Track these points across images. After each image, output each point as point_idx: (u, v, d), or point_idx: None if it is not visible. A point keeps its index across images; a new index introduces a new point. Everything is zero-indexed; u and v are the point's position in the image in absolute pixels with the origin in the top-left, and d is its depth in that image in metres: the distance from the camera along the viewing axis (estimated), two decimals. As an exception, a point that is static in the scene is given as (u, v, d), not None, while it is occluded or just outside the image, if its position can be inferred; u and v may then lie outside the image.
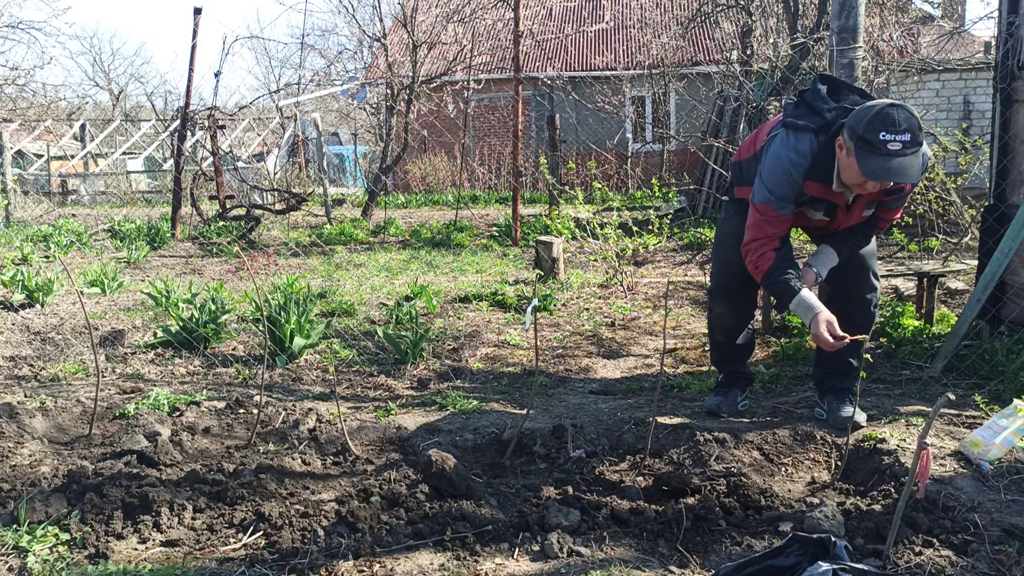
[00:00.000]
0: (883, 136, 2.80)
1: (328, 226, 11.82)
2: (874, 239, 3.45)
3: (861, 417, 3.31)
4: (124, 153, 23.67)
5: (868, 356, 3.54)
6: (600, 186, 7.71)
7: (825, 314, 3.01)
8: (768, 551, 2.03)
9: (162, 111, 34.14)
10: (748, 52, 12.14)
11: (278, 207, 11.80)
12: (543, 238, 7.63)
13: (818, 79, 3.20)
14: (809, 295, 3.10)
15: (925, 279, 5.05)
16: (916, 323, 4.66)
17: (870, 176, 2.88)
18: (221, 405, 3.71)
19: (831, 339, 2.97)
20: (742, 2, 12.19)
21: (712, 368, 4.04)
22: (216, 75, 16.99)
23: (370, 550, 2.34)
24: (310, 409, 3.65)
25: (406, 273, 8.01)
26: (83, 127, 25.48)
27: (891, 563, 2.20)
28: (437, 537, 2.41)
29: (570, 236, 7.72)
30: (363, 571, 2.25)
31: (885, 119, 2.82)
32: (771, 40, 11.00)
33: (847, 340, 2.95)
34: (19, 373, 4.52)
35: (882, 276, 5.21)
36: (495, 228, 11.63)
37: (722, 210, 3.82)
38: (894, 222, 3.31)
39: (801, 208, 3.25)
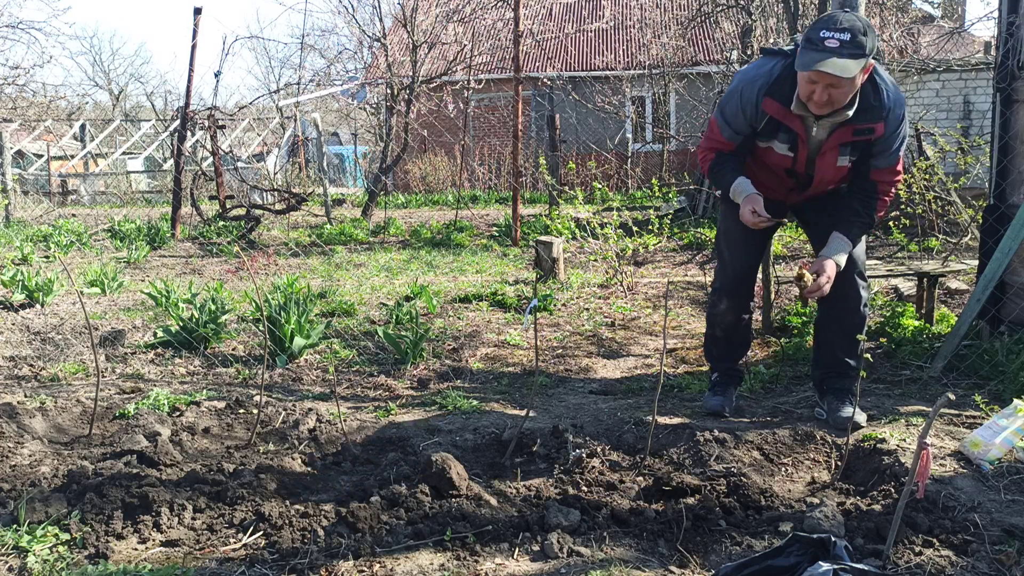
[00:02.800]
0: (823, 33, 2.87)
1: (328, 226, 11.82)
2: (864, 241, 3.42)
3: (861, 417, 3.32)
4: (124, 153, 23.68)
5: (868, 356, 3.54)
6: (600, 186, 7.71)
7: (754, 196, 3.15)
8: (768, 551, 2.03)
9: (162, 111, 34.14)
10: (748, 52, 12.14)
11: (278, 207, 11.81)
12: (543, 238, 7.63)
13: None
14: (745, 181, 3.21)
15: (925, 279, 5.05)
16: (916, 323, 4.66)
17: (800, 67, 2.93)
18: (221, 405, 3.71)
19: (752, 218, 3.12)
20: (742, 2, 12.19)
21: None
22: (216, 75, 16.99)
23: (370, 550, 2.33)
24: (310, 409, 3.65)
25: (406, 273, 8.01)
26: (83, 127, 25.50)
27: (891, 563, 2.20)
28: (437, 537, 2.41)
29: (570, 236, 7.72)
30: (363, 571, 2.25)
31: (829, 18, 2.90)
32: (771, 40, 11.00)
33: (768, 220, 3.13)
34: (19, 373, 4.52)
35: (882, 276, 5.22)
36: (495, 228, 11.64)
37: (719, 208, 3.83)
38: (895, 191, 3.28)
39: (769, 145, 3.24)
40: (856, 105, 3.05)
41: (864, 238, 3.44)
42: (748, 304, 3.66)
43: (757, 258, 3.59)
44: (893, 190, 3.27)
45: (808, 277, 3.12)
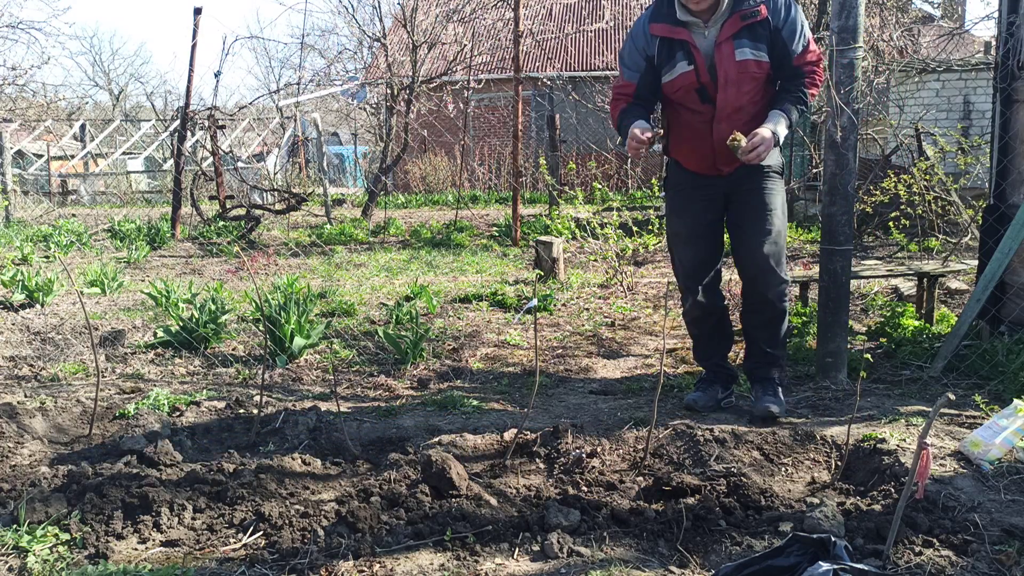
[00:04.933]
0: None
1: (328, 226, 11.82)
2: (784, 235, 3.54)
3: (777, 409, 3.43)
4: (124, 153, 23.68)
5: (868, 356, 3.55)
6: (600, 186, 7.71)
7: (635, 127, 3.26)
8: (768, 551, 2.03)
9: (162, 111, 34.14)
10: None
11: (278, 207, 11.80)
12: (543, 238, 7.63)
13: None
14: (639, 122, 3.32)
15: (925, 279, 5.05)
16: (916, 323, 4.66)
17: None
18: (221, 405, 3.71)
19: (637, 140, 3.23)
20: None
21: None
22: (216, 75, 16.95)
23: (370, 550, 2.33)
24: (310, 409, 3.65)
25: (406, 273, 8.01)
26: (83, 127, 25.50)
27: (891, 563, 2.19)
28: (437, 537, 2.41)
29: (570, 236, 7.72)
30: (363, 571, 2.25)
31: None
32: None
33: (647, 137, 3.21)
34: (19, 373, 4.52)
35: (882, 276, 5.22)
36: (495, 228, 11.64)
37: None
38: (820, 71, 3.40)
39: (672, 74, 3.35)
40: None
41: (784, 229, 3.54)
42: (714, 300, 3.70)
43: (707, 252, 3.63)
44: (819, 70, 3.39)
45: (740, 137, 3.21)
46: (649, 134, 3.24)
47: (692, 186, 3.56)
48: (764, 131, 3.21)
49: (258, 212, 11.24)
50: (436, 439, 3.30)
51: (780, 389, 3.57)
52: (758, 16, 3.22)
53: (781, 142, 3.31)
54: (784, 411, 3.46)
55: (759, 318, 3.58)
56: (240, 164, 15.64)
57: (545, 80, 19.20)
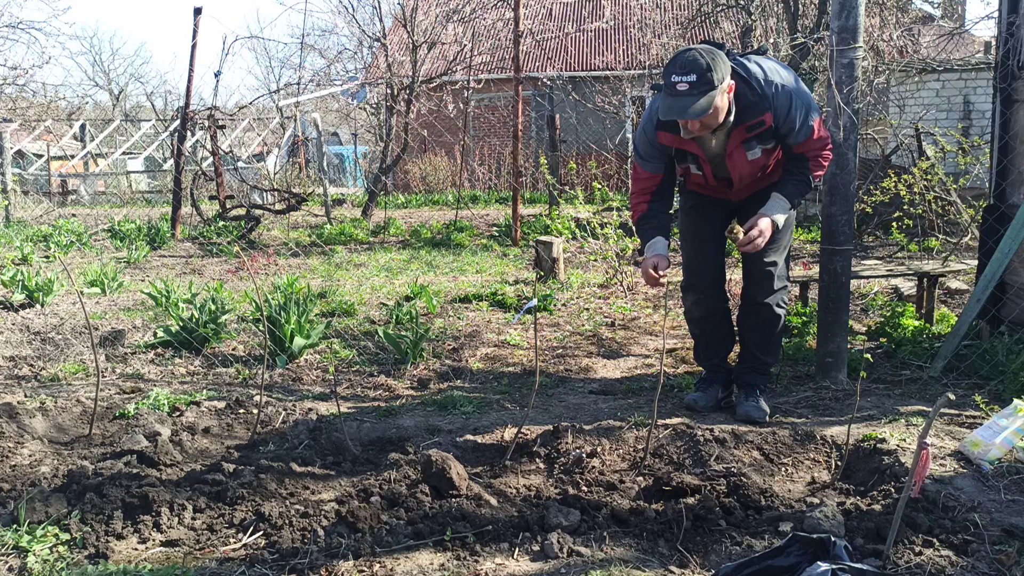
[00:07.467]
0: (673, 78, 3.00)
1: (328, 226, 11.82)
2: (788, 245, 3.58)
3: (759, 414, 3.45)
4: (124, 153, 23.67)
5: (868, 356, 3.55)
6: (600, 186, 7.71)
7: (653, 258, 3.32)
8: (768, 551, 2.03)
9: (162, 111, 34.12)
10: (747, 52, 12.08)
11: (278, 207, 11.80)
12: (543, 238, 7.63)
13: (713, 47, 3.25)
14: (660, 242, 3.37)
15: (925, 279, 5.06)
16: (916, 323, 4.66)
17: (662, 115, 3.07)
18: (221, 405, 3.71)
19: (649, 277, 3.30)
20: (742, 2, 12.18)
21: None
22: (216, 75, 16.97)
23: (370, 550, 2.33)
24: (310, 409, 3.65)
25: (406, 273, 8.01)
26: (83, 127, 25.48)
27: (891, 563, 2.19)
28: (437, 537, 2.41)
29: (570, 236, 7.72)
30: (363, 571, 2.25)
31: (674, 62, 3.01)
32: (771, 40, 10.99)
33: (662, 282, 3.27)
34: (19, 373, 4.52)
35: (882, 276, 5.22)
36: (495, 228, 11.64)
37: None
38: (828, 153, 3.35)
39: (685, 165, 3.43)
40: (735, 107, 3.16)
41: (790, 241, 3.59)
42: (716, 301, 3.72)
43: (711, 252, 3.67)
44: (825, 153, 3.35)
45: (739, 229, 3.24)
46: (663, 272, 3.29)
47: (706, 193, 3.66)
48: (763, 223, 3.24)
49: (258, 212, 11.24)
50: (436, 439, 3.30)
51: (763, 397, 3.58)
52: (764, 126, 3.21)
53: (780, 227, 3.35)
54: (764, 417, 3.46)
55: (755, 319, 3.61)
56: (240, 164, 15.64)
57: (545, 80, 19.21)
